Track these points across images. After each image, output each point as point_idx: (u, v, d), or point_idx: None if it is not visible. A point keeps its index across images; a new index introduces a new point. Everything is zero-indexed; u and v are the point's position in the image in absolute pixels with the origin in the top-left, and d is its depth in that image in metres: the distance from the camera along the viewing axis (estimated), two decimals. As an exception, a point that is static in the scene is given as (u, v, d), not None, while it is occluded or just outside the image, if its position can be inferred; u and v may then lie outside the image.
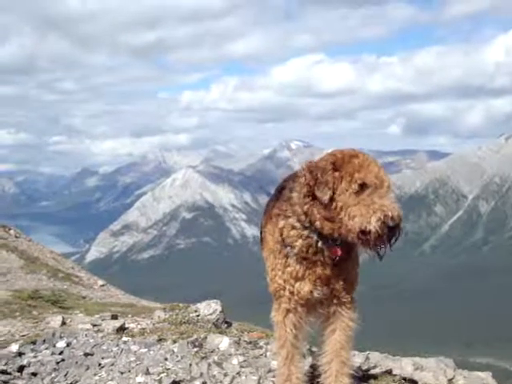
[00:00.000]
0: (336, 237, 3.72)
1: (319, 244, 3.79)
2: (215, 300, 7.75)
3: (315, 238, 3.78)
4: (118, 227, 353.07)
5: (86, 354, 5.85)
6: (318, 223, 3.73)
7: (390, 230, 3.55)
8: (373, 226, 3.51)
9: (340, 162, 3.73)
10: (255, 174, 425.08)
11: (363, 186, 3.62)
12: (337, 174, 3.68)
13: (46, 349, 6.17)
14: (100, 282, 19.64)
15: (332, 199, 3.66)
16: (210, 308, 7.45)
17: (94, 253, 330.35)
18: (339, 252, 3.80)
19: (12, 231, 23.18)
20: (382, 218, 3.51)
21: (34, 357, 5.95)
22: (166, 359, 5.59)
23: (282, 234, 3.91)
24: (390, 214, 3.52)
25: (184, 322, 7.07)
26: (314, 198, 3.72)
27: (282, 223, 3.91)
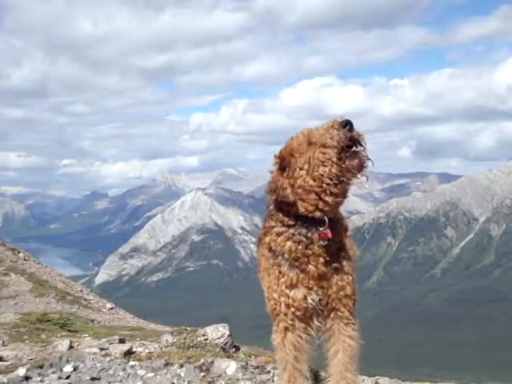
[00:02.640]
0: (321, 209, 3.73)
1: (309, 234, 3.78)
2: (223, 324, 7.71)
3: (303, 230, 3.79)
4: (127, 250, 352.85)
5: (93, 379, 5.82)
6: (301, 209, 3.75)
7: (351, 130, 3.64)
8: (335, 134, 3.62)
9: (282, 157, 3.85)
10: (265, 197, 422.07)
11: (309, 140, 3.73)
12: (284, 161, 3.82)
13: (53, 373, 6.14)
14: (109, 305, 19.59)
15: (295, 177, 3.74)
16: (217, 332, 7.41)
17: (103, 276, 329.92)
18: (329, 234, 3.78)
19: (21, 254, 23.23)
20: (334, 125, 3.65)
21: (41, 381, 5.92)
22: (172, 384, 5.56)
23: (270, 248, 3.93)
24: (337, 122, 3.66)
25: (191, 346, 7.02)
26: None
27: (268, 238, 3.95)
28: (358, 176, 3.68)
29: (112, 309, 19.22)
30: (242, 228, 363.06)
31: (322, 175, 3.64)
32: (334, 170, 3.62)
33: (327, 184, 3.65)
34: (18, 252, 23.37)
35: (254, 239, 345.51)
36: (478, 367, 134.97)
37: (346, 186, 3.71)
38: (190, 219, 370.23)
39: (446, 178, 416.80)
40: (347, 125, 3.63)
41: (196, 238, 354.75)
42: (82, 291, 21.14)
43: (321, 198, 3.69)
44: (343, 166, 3.61)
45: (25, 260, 22.46)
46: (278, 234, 3.87)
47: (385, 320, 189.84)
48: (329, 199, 3.69)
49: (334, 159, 3.61)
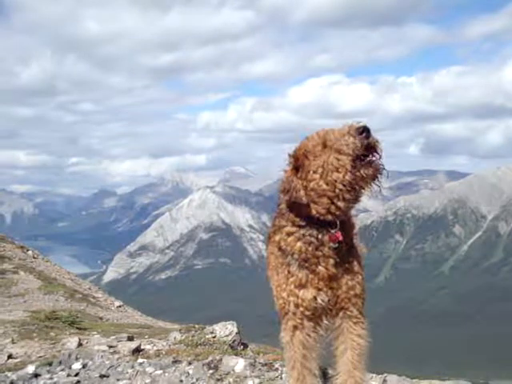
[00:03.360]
0: (332, 213, 3.70)
1: (319, 236, 3.77)
2: (231, 321, 7.73)
3: (314, 232, 3.78)
4: (135, 248, 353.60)
5: (102, 376, 5.85)
6: (313, 211, 3.72)
7: (367, 137, 3.56)
8: (351, 142, 3.55)
9: (296, 157, 3.79)
10: (272, 195, 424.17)
11: (324, 142, 3.68)
12: (298, 161, 3.76)
13: (62, 370, 6.18)
14: (117, 303, 19.67)
15: (308, 180, 3.70)
16: (225, 329, 7.42)
17: (112, 274, 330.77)
18: (340, 236, 3.77)
19: (30, 252, 23.34)
20: (351, 132, 3.57)
21: (50, 378, 5.95)
22: (181, 381, 5.57)
23: (280, 247, 3.91)
24: (353, 128, 3.58)
25: (200, 344, 7.04)
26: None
27: (278, 237, 3.93)
28: (372, 185, 3.66)
29: (120, 307, 19.30)
30: (250, 226, 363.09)
31: (336, 181, 3.61)
32: (347, 178, 3.58)
33: (340, 190, 3.62)
34: (27, 250, 23.50)
35: (261, 237, 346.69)
36: (486, 365, 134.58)
37: (358, 193, 3.68)
38: (198, 217, 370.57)
39: (454, 175, 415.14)
40: (364, 131, 3.56)
41: (204, 236, 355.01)
42: (90, 289, 21.24)
43: (333, 203, 3.67)
44: (357, 174, 3.57)
45: (34, 258, 22.57)
46: (289, 234, 3.86)
47: (393, 318, 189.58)
48: (341, 204, 3.67)
49: (349, 167, 3.56)
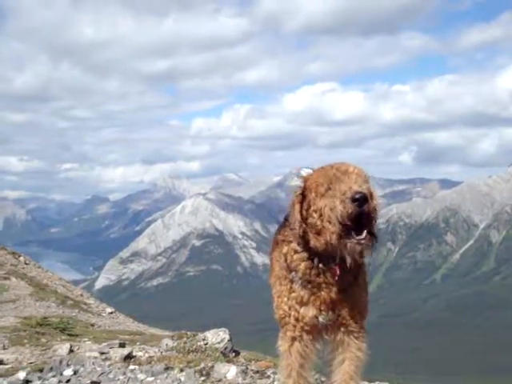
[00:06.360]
0: (330, 251, 3.62)
1: (320, 265, 3.75)
2: (223, 328, 7.73)
3: (316, 259, 3.75)
4: (127, 254, 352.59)
5: (93, 382, 5.84)
6: (312, 242, 3.68)
7: (360, 206, 3.44)
8: (339, 208, 3.45)
9: (308, 178, 3.78)
10: (265, 202, 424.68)
11: (328, 185, 3.61)
12: (305, 190, 3.74)
13: (53, 376, 6.16)
14: (109, 310, 19.62)
15: (309, 213, 3.68)
16: (217, 336, 7.42)
17: (103, 280, 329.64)
18: (338, 271, 3.73)
19: (22, 258, 23.29)
20: (344, 198, 3.45)
21: (41, 384, 5.94)
22: (172, 388, 5.56)
23: (286, 260, 3.91)
24: (349, 193, 3.45)
25: (192, 351, 7.03)
26: (305, 222, 3.74)
27: (285, 249, 3.92)
28: (356, 257, 3.61)
29: (112, 313, 19.25)
30: (242, 233, 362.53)
31: (328, 230, 3.54)
32: (334, 238, 3.51)
33: (331, 240, 3.56)
34: (19, 256, 23.44)
35: (254, 244, 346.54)
36: (477, 373, 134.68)
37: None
38: (191, 224, 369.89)
39: (446, 184, 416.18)
40: (358, 200, 3.44)
41: (196, 242, 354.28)
42: (82, 295, 21.19)
43: (330, 243, 3.58)
44: (343, 242, 3.51)
45: (25, 264, 22.52)
46: (295, 251, 3.85)
47: (384, 326, 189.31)
48: (335, 249, 3.61)
49: (337, 229, 3.50)
